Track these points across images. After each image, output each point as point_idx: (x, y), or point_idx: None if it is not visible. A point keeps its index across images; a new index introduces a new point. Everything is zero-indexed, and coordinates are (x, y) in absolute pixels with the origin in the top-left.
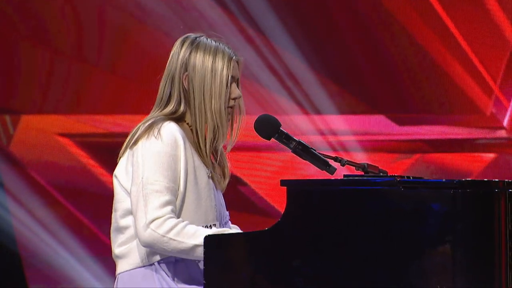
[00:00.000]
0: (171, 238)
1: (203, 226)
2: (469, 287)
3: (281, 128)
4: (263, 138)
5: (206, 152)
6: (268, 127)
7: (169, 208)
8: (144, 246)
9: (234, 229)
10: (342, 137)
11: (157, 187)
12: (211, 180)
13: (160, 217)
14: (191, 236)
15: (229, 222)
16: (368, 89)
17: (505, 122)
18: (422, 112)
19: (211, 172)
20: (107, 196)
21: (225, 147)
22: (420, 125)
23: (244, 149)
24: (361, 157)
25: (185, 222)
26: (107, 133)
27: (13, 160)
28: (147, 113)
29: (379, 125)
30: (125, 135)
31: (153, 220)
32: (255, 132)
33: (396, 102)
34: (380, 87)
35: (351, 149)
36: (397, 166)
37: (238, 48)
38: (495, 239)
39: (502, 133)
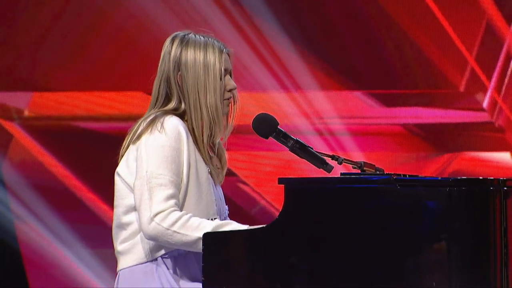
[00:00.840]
0: (175, 231)
1: None
2: (465, 284)
3: (278, 127)
4: (261, 137)
5: (204, 148)
6: (266, 126)
7: (172, 201)
8: (148, 239)
9: (236, 223)
10: (327, 119)
11: (162, 181)
12: (210, 176)
13: (164, 210)
14: (195, 228)
15: (228, 218)
16: (353, 66)
17: (485, 104)
18: (407, 89)
19: (209, 167)
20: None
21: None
22: (406, 106)
23: (242, 148)
24: (357, 156)
25: (189, 215)
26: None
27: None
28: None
29: (363, 104)
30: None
31: (157, 214)
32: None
33: (381, 79)
34: (365, 63)
35: (337, 133)
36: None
37: (213, 20)
38: (491, 236)
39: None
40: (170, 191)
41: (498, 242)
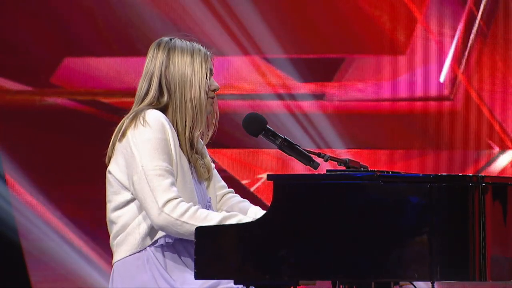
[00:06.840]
0: (184, 221)
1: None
2: (445, 276)
3: (267, 126)
4: (251, 135)
5: (185, 141)
6: (255, 124)
7: (175, 188)
8: (157, 229)
9: (241, 215)
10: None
11: (158, 172)
12: (189, 167)
13: (171, 199)
14: (203, 219)
15: (211, 208)
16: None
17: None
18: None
19: (190, 160)
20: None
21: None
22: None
23: (233, 146)
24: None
25: (196, 206)
26: None
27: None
28: None
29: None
30: None
31: (165, 203)
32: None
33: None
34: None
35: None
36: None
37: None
38: (470, 230)
39: None
40: (168, 179)
41: (477, 236)
